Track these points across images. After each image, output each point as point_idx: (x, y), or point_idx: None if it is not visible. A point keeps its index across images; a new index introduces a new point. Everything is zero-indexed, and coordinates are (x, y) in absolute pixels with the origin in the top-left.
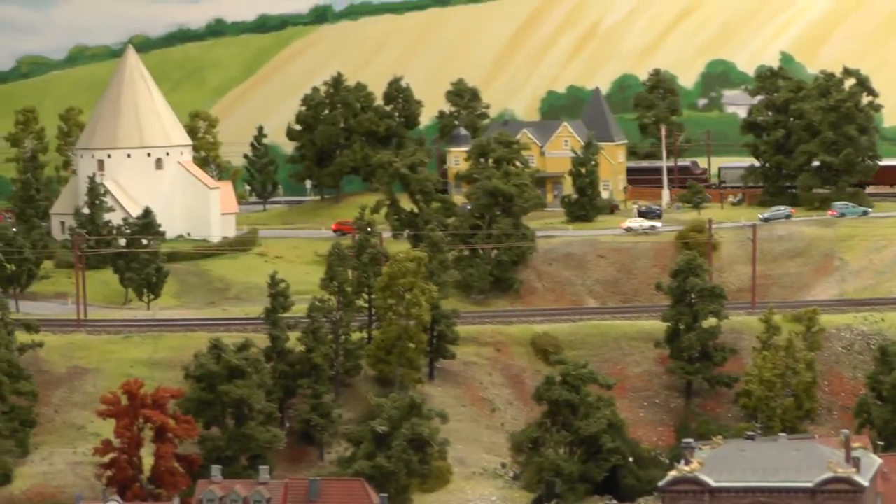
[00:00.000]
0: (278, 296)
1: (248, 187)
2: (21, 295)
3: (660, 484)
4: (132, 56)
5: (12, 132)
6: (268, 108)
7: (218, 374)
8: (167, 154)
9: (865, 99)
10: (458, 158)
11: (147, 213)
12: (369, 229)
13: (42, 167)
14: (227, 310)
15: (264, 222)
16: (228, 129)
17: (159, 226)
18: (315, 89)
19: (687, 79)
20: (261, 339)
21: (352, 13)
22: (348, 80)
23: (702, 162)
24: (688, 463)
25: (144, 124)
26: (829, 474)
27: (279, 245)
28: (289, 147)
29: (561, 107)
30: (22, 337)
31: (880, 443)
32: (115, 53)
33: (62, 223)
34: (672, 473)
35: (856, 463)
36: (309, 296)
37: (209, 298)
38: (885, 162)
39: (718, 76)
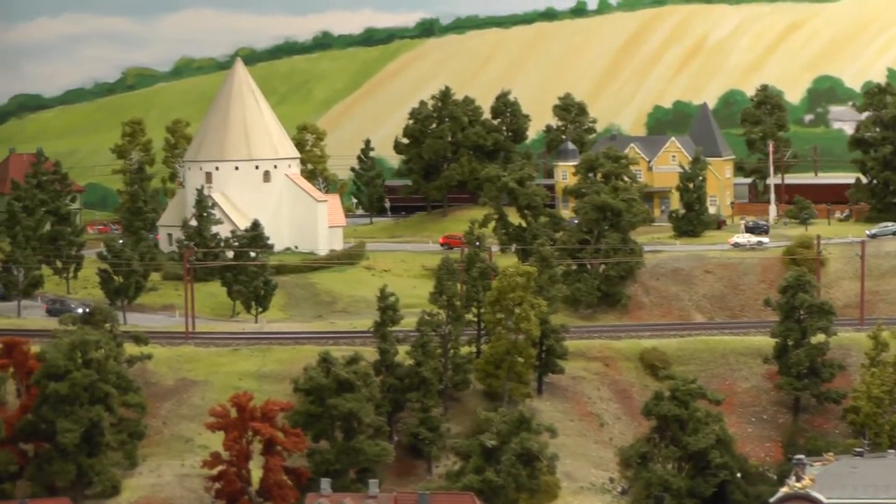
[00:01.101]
0: (388, 309)
1: (354, 200)
2: (129, 307)
3: (771, 500)
4: (240, 69)
5: (119, 144)
6: (373, 121)
7: (327, 387)
8: (275, 167)
9: None
10: (565, 173)
11: (256, 225)
12: (479, 243)
13: (149, 179)
14: (335, 323)
15: (371, 235)
16: (334, 143)
17: (268, 238)
18: (423, 103)
19: (793, 95)
20: (369, 353)
21: (458, 27)
22: (455, 93)
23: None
24: (799, 479)
25: (252, 137)
26: None
27: (386, 258)
28: (395, 160)
29: (667, 122)
30: (131, 349)
31: None
32: (221, 66)
33: (169, 235)
34: (784, 490)
35: None
36: (416, 309)
37: (316, 311)
38: None
39: (825, 92)
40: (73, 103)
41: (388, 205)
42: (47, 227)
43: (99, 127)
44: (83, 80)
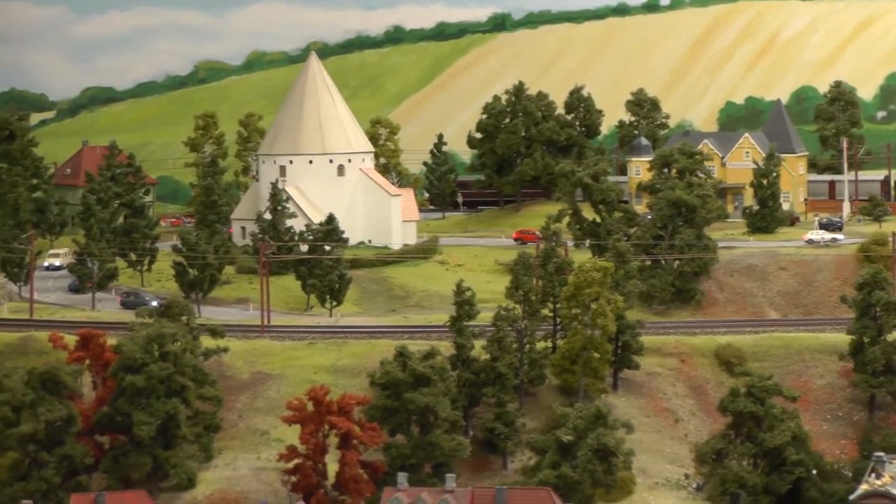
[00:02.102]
0: (464, 304)
1: (426, 195)
2: (203, 300)
3: (851, 497)
4: (315, 62)
5: (192, 137)
6: (445, 115)
7: (404, 381)
8: (349, 161)
9: None
10: (638, 168)
11: (331, 219)
12: (555, 239)
13: (221, 172)
14: (409, 317)
15: (444, 230)
16: (405, 137)
17: (342, 232)
18: (496, 97)
19: (866, 91)
20: (445, 347)
21: (530, 21)
22: (529, 88)
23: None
24: (879, 476)
25: (326, 131)
26: None
27: (460, 253)
28: (466, 155)
29: (739, 118)
30: (207, 342)
31: None
32: (293, 60)
33: (243, 229)
34: (863, 487)
35: None
36: (490, 304)
37: (390, 306)
38: None
39: None
40: (145, 96)
41: (460, 199)
42: (120, 219)
43: (170, 120)
44: (155, 73)
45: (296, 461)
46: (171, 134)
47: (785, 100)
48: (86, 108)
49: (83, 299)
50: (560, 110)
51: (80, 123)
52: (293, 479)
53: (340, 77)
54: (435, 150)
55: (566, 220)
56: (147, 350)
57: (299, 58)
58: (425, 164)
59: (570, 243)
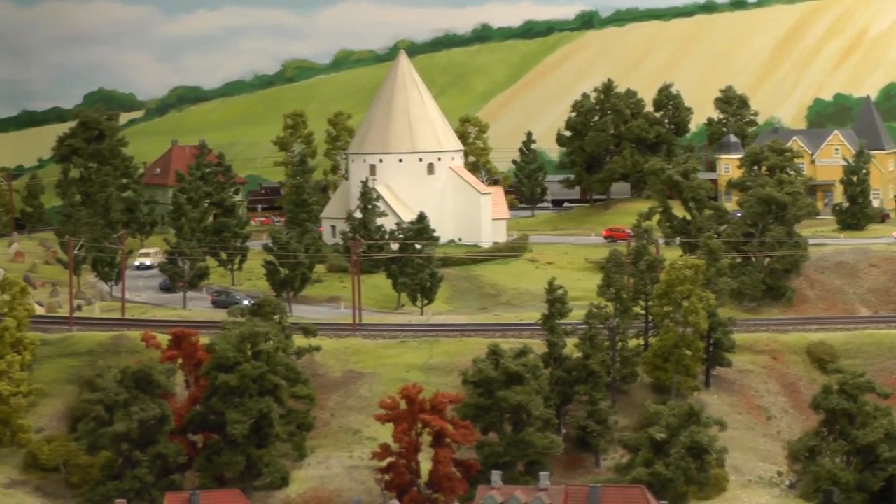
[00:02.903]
0: (556, 302)
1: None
2: (294, 299)
3: None
4: (404, 61)
5: (281, 136)
6: (532, 113)
7: (496, 379)
8: (439, 159)
9: None
10: (727, 166)
11: (421, 217)
12: (646, 236)
13: (311, 171)
14: (500, 315)
15: (533, 228)
16: (492, 135)
17: (433, 231)
18: (585, 95)
19: None
20: (537, 345)
21: (618, 19)
22: (617, 86)
23: None
24: None
25: (416, 129)
26: None
27: (549, 251)
28: (554, 153)
29: (827, 114)
30: (299, 341)
31: None
32: (380, 58)
33: (333, 227)
34: None
35: None
36: (580, 302)
37: (481, 304)
38: None
39: None
40: (233, 95)
41: (549, 197)
42: (210, 219)
43: (258, 119)
44: (243, 72)
45: (389, 459)
46: (259, 133)
47: (874, 96)
48: (174, 107)
49: (174, 298)
50: (649, 108)
51: (169, 123)
52: (386, 477)
53: (428, 75)
54: (524, 148)
55: (656, 217)
56: (240, 349)
57: (387, 56)
58: (514, 162)
59: (661, 241)
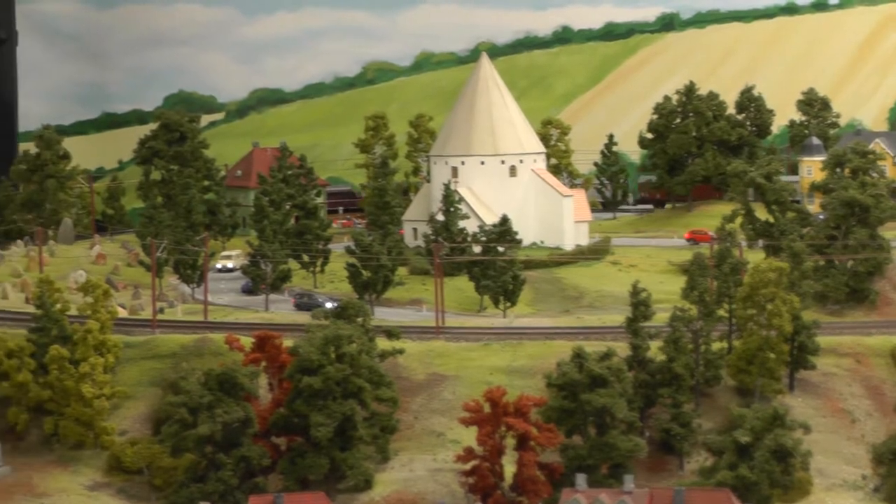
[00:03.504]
0: (640, 305)
1: (597, 195)
2: (376, 301)
3: None
4: (486, 63)
5: (362, 138)
6: (613, 116)
7: (580, 382)
8: (521, 161)
9: None
10: (809, 168)
11: (504, 220)
12: (730, 239)
13: (392, 173)
14: (582, 318)
15: (615, 230)
16: (574, 137)
17: (516, 233)
18: (667, 98)
19: None
20: (620, 348)
21: (699, 21)
22: (699, 88)
23: None
24: None
25: (498, 131)
26: None
27: (632, 254)
28: (636, 155)
29: None
30: (383, 343)
31: None
32: (461, 60)
33: (414, 230)
34: None
35: None
36: (663, 305)
37: (563, 306)
38: None
39: None
40: (313, 97)
41: (631, 200)
42: (291, 221)
43: (339, 121)
44: (323, 74)
45: (473, 462)
46: (340, 135)
47: None
48: (254, 109)
49: (256, 301)
50: (730, 110)
51: (249, 125)
52: (470, 480)
53: (509, 77)
54: (605, 151)
55: (739, 220)
56: (324, 351)
57: (468, 58)
58: (595, 164)
59: (744, 243)
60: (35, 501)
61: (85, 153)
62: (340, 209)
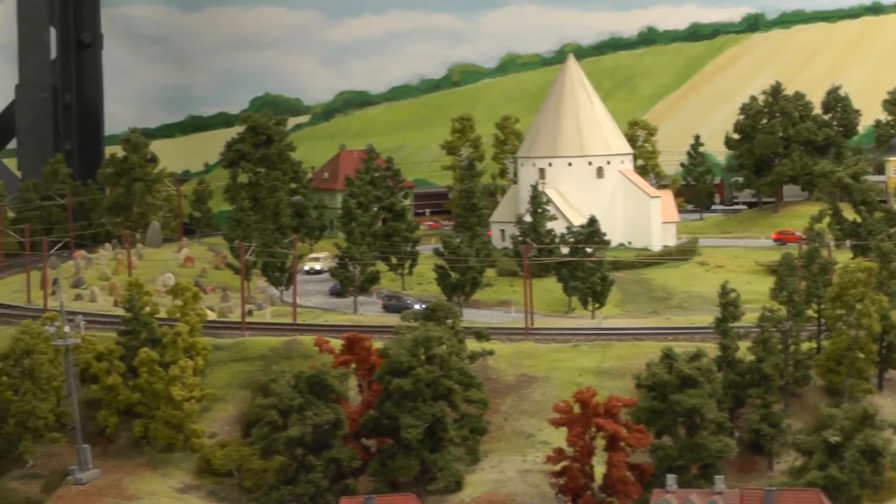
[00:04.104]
0: (729, 305)
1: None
2: (465, 303)
3: None
4: (572, 65)
5: (448, 140)
6: (698, 116)
7: (670, 383)
8: (608, 163)
9: None
10: None
11: (592, 221)
12: (819, 239)
13: (479, 175)
14: (671, 319)
15: (702, 231)
16: (659, 138)
17: (604, 234)
18: (753, 98)
19: None
20: (709, 349)
21: (784, 21)
22: (785, 88)
23: None
24: None
25: (585, 133)
26: None
27: (719, 254)
28: (721, 155)
29: None
30: (472, 345)
31: None
32: (546, 62)
33: (502, 231)
34: None
35: None
36: (751, 305)
37: (651, 307)
38: None
39: None
40: (399, 100)
41: (717, 200)
42: (378, 223)
43: (424, 123)
44: (409, 76)
45: (563, 463)
46: (426, 137)
47: None
48: (340, 111)
49: (344, 303)
50: (817, 110)
51: (335, 127)
52: (560, 481)
53: (594, 79)
54: (692, 151)
55: (827, 220)
56: (414, 353)
57: (553, 60)
58: (682, 164)
59: (832, 243)
60: None
61: (170, 156)
62: (427, 211)
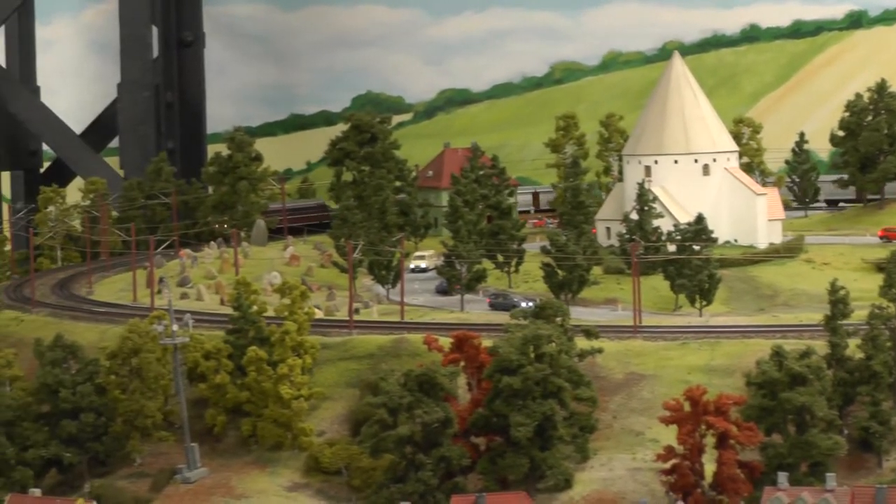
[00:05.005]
0: (838, 303)
1: (790, 193)
2: (572, 301)
3: None
4: (678, 62)
5: (552, 138)
6: (800, 114)
7: (780, 381)
8: (714, 160)
9: None
10: None
11: (700, 219)
12: None
13: (583, 173)
14: (778, 316)
15: (808, 228)
16: (763, 135)
17: (711, 232)
18: (858, 95)
19: None
20: (818, 346)
21: (887, 18)
22: (891, 85)
23: None
24: None
25: (691, 130)
26: None
27: (825, 251)
28: (824, 153)
29: None
30: (581, 343)
31: None
32: (649, 59)
33: (607, 229)
34: None
35: None
36: (858, 302)
37: (758, 305)
38: None
39: None
40: (501, 97)
41: (822, 198)
42: (484, 221)
43: (527, 121)
44: (511, 74)
45: (673, 461)
46: (528, 135)
47: None
48: (442, 109)
49: (450, 301)
50: None
51: (437, 125)
52: (671, 479)
53: (696, 76)
54: (796, 149)
55: None
56: (523, 351)
57: (655, 58)
58: (787, 162)
59: None
60: (234, 503)
61: (272, 155)
62: (531, 209)
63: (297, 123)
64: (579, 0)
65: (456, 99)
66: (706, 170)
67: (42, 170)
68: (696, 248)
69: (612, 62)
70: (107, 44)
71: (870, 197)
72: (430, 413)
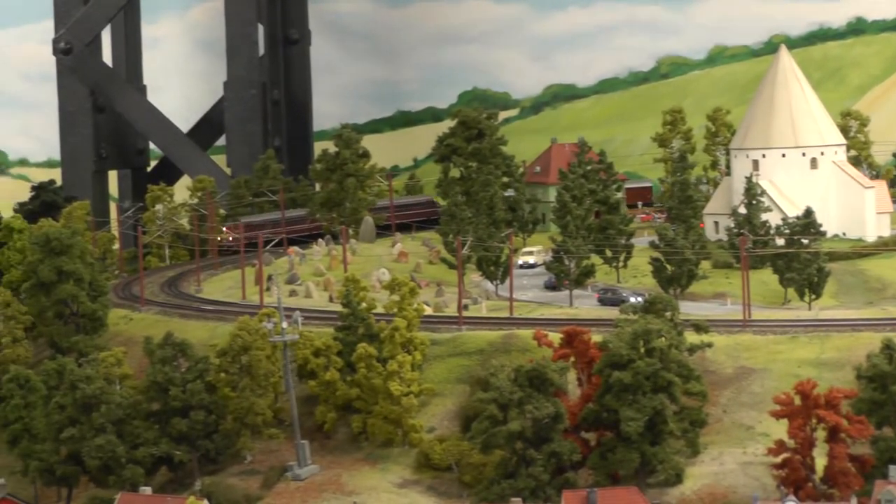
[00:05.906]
0: None
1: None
2: (681, 295)
3: None
4: (785, 55)
5: (659, 133)
6: None
7: (890, 374)
8: (822, 154)
9: None
10: None
11: (809, 213)
12: None
13: (691, 167)
14: (887, 309)
15: None
16: (869, 128)
17: (820, 226)
18: None
19: None
20: None
21: None
22: None
23: None
24: None
25: (798, 124)
26: None
27: None
28: None
29: None
30: (690, 337)
31: None
32: (755, 53)
33: (716, 223)
34: None
35: None
36: None
37: (867, 298)
38: None
39: None
40: (607, 92)
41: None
42: (591, 217)
43: (633, 116)
44: (617, 69)
45: (784, 455)
46: (634, 130)
47: None
48: (548, 105)
49: (559, 296)
50: None
51: (543, 121)
52: (782, 473)
53: (803, 69)
54: None
55: None
56: (633, 346)
57: (761, 51)
58: (894, 155)
59: None
60: (345, 499)
61: (379, 151)
62: (639, 204)
63: (403, 120)
64: None
65: (562, 94)
66: (814, 163)
67: (149, 169)
68: (805, 241)
69: (718, 56)
70: (213, 42)
71: None
72: (541, 408)
